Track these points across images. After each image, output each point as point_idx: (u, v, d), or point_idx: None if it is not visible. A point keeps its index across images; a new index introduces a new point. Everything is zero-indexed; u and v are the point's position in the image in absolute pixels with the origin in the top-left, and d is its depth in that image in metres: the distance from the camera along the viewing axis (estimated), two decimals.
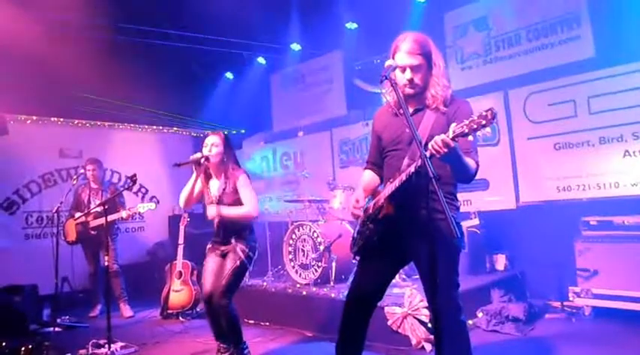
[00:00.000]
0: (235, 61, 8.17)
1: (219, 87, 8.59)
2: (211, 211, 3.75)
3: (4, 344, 4.38)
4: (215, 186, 3.86)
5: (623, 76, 4.85)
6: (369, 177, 2.86)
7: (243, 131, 9.28)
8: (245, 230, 3.79)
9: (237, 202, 3.75)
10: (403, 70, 2.51)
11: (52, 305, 5.81)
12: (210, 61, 7.97)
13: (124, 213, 5.68)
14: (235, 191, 3.76)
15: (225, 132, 3.96)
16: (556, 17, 5.35)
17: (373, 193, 2.72)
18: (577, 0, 5.20)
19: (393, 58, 2.53)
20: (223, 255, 3.79)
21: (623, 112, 4.84)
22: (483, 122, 1.98)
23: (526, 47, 5.60)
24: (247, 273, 3.92)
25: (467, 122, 2.02)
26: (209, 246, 3.92)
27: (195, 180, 3.83)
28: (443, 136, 2.09)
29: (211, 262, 3.80)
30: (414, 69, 2.50)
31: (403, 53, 2.49)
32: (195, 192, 3.87)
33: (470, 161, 2.39)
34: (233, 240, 3.75)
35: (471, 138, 2.07)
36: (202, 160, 3.74)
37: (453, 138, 2.08)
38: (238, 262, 3.68)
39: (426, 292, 2.64)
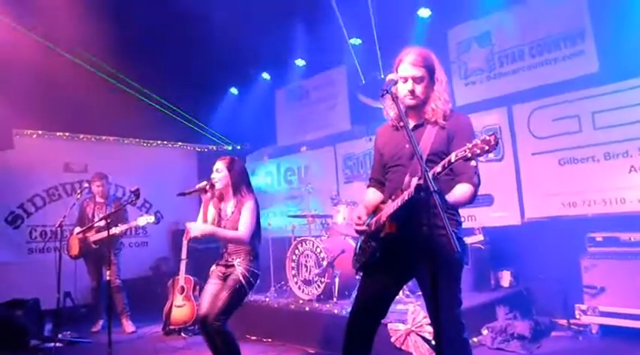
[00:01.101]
0: (240, 77, 8.22)
1: (224, 102, 8.64)
2: (195, 228, 3.66)
3: None
4: (225, 210, 3.85)
5: (628, 91, 4.84)
6: (373, 195, 2.85)
7: (247, 146, 9.30)
8: (249, 255, 3.73)
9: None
10: (405, 80, 2.53)
11: (54, 320, 5.77)
12: (216, 76, 8.02)
13: (117, 230, 5.61)
14: (240, 214, 3.71)
15: (231, 158, 3.94)
16: (559, 33, 5.36)
17: (375, 210, 2.70)
18: (581, 15, 5.21)
19: (397, 71, 2.55)
20: (225, 278, 3.74)
21: (628, 127, 4.82)
22: (486, 147, 1.95)
23: (529, 63, 5.60)
24: (246, 298, 3.82)
25: (470, 146, 1.99)
26: (213, 268, 3.87)
27: (205, 210, 3.82)
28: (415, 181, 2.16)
29: (212, 285, 3.75)
30: (415, 80, 2.52)
31: (406, 64, 2.52)
32: (210, 220, 3.85)
33: (461, 188, 2.40)
34: (236, 264, 3.69)
35: (473, 163, 2.05)
36: (207, 187, 3.75)
37: (455, 162, 2.08)
38: (237, 285, 3.62)
39: (428, 309, 2.61)
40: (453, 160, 2.08)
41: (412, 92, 2.53)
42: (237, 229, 3.67)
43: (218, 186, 3.77)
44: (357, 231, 2.71)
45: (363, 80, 7.08)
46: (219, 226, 3.77)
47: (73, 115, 7.08)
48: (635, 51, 4.68)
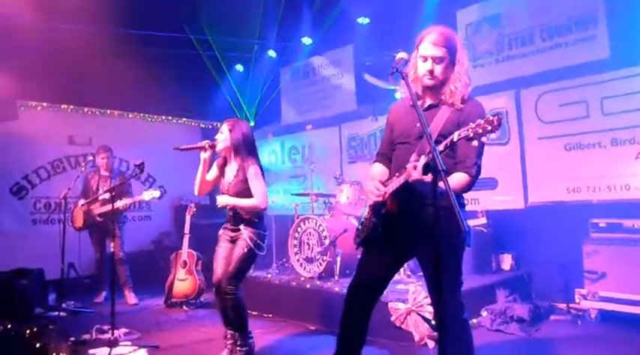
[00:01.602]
0: (246, 53, 8.15)
1: (230, 78, 8.59)
2: (220, 200, 3.75)
3: (9, 325, 4.41)
4: (228, 173, 3.87)
5: (638, 77, 4.79)
6: (379, 169, 2.81)
7: (252, 123, 9.27)
8: (254, 217, 3.76)
9: (244, 192, 3.73)
10: (425, 59, 2.49)
11: (58, 290, 5.85)
12: (221, 52, 7.96)
13: (121, 203, 5.63)
14: (244, 181, 3.73)
15: (234, 120, 3.93)
16: (572, 17, 5.27)
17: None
18: (594, 0, 5.13)
19: (417, 49, 2.51)
20: (233, 241, 3.79)
21: (636, 114, 4.78)
22: (489, 127, 1.93)
23: (540, 46, 5.53)
24: (257, 258, 3.88)
25: (473, 125, 1.98)
26: (220, 231, 3.92)
27: (204, 168, 3.82)
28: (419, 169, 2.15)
29: (222, 248, 3.82)
30: (435, 60, 2.47)
31: (427, 43, 2.48)
32: (210, 179, 3.90)
33: (457, 178, 2.37)
34: (242, 227, 3.74)
35: (475, 143, 2.03)
36: (206, 147, 3.76)
37: (457, 141, 2.06)
38: (246, 249, 3.68)
39: (429, 289, 2.63)
40: (455, 139, 2.07)
41: (431, 72, 2.49)
42: (240, 193, 3.72)
43: (219, 147, 3.79)
44: (374, 202, 2.63)
45: (369, 60, 7.01)
46: (222, 186, 3.84)
47: (78, 88, 7.07)
48: None
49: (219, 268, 3.74)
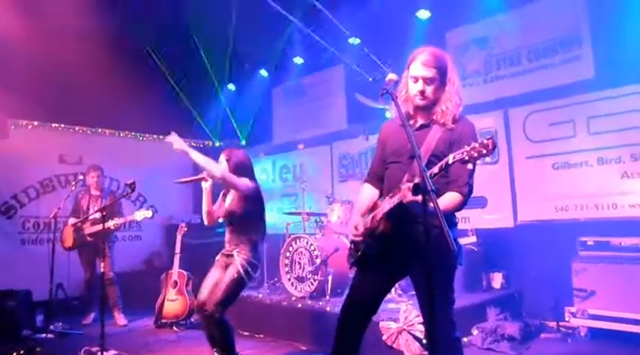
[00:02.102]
0: (238, 73, 8.21)
1: (222, 98, 8.64)
2: (175, 139, 3.78)
3: None
4: (228, 199, 3.96)
5: (623, 97, 4.89)
6: (369, 193, 2.82)
7: (243, 142, 9.30)
8: (248, 245, 3.79)
9: (240, 211, 3.79)
10: (416, 80, 2.52)
11: (46, 311, 5.77)
12: (213, 71, 8.02)
13: (112, 223, 5.59)
14: (238, 199, 3.80)
15: (230, 149, 4.02)
16: (557, 38, 5.40)
17: (373, 207, 2.70)
18: (579, 21, 5.26)
19: (408, 68, 2.55)
20: (226, 267, 3.81)
21: (622, 133, 4.87)
22: (484, 151, 1.97)
23: (526, 67, 5.65)
24: (245, 288, 3.86)
25: (467, 149, 2.01)
26: (218, 257, 3.95)
27: (208, 198, 3.88)
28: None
29: (213, 272, 3.85)
30: (426, 81, 2.51)
31: (418, 63, 2.51)
32: (217, 208, 3.97)
33: (449, 197, 2.41)
34: (235, 254, 3.76)
35: (470, 166, 2.07)
36: (206, 177, 3.84)
37: (452, 164, 2.09)
38: (236, 275, 3.68)
39: (421, 308, 2.63)
40: (450, 162, 2.09)
41: (422, 92, 2.52)
42: (232, 212, 3.80)
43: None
44: (353, 242, 2.71)
45: (360, 79, 7.09)
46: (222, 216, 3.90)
47: (69, 107, 7.04)
48: (632, 58, 4.73)
49: (205, 291, 3.74)
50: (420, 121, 2.61)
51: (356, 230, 2.64)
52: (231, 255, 3.78)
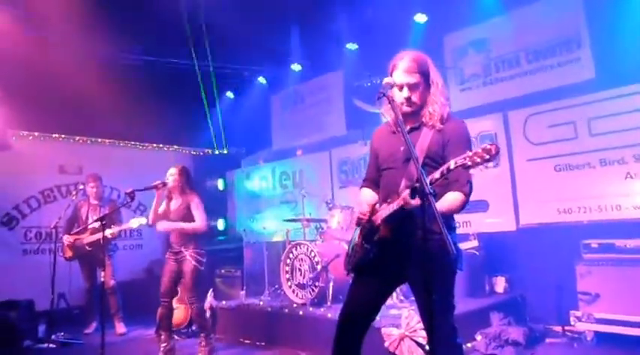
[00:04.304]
0: (236, 81, 8.21)
1: (220, 106, 8.63)
2: (163, 225, 4.66)
3: None
4: (173, 204, 4.75)
5: (625, 97, 4.85)
6: (370, 194, 2.81)
7: (242, 150, 9.30)
8: (191, 241, 4.62)
9: (185, 218, 4.63)
10: (400, 88, 2.51)
11: (48, 321, 5.75)
12: (212, 80, 8.01)
13: (109, 232, 5.55)
14: (186, 208, 4.66)
15: (182, 166, 4.92)
16: (555, 39, 5.38)
17: (372, 211, 2.67)
18: (577, 22, 5.23)
19: (391, 76, 2.53)
20: (178, 262, 4.62)
21: (624, 134, 4.83)
22: (487, 156, 1.93)
23: (526, 69, 5.62)
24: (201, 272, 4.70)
25: (470, 154, 1.97)
26: (167, 255, 4.72)
27: (157, 202, 4.70)
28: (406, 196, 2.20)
29: (168, 267, 4.66)
30: (411, 87, 2.50)
31: (400, 71, 2.50)
32: (161, 211, 4.73)
33: (451, 197, 2.38)
34: (184, 250, 4.58)
35: (472, 171, 2.03)
36: (160, 185, 4.61)
37: (454, 169, 2.06)
38: (192, 266, 4.56)
39: (421, 314, 2.59)
40: (452, 167, 2.06)
41: (408, 99, 2.51)
42: (182, 220, 4.62)
43: (170, 184, 4.68)
44: (356, 222, 2.68)
45: (358, 84, 7.08)
46: (168, 216, 4.70)
47: (69, 117, 7.07)
48: (632, 57, 4.70)
49: (165, 284, 4.64)
50: (409, 125, 2.59)
51: (361, 213, 2.60)
52: (181, 252, 4.60)
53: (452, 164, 2.06)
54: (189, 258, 4.55)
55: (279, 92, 8.58)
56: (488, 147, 1.93)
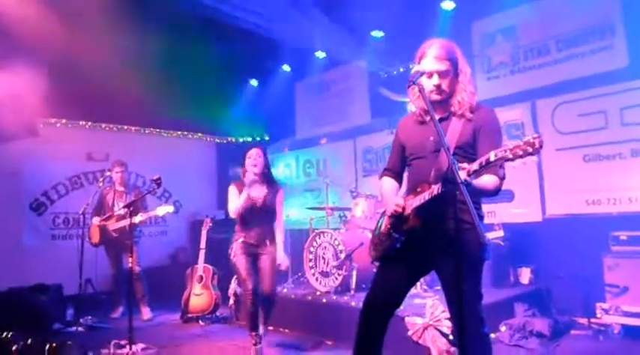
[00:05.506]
0: (260, 69, 8.22)
1: (244, 94, 8.65)
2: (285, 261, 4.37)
3: (29, 341, 4.44)
4: (256, 192, 4.31)
5: None
6: (391, 184, 2.81)
7: (267, 138, 9.32)
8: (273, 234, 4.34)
9: (274, 208, 4.33)
10: (430, 75, 2.47)
11: (76, 305, 5.88)
12: (236, 67, 8.03)
13: (136, 219, 5.61)
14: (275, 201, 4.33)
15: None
16: (588, 27, 5.24)
17: None
18: (612, 9, 5.09)
19: (420, 64, 2.50)
20: (255, 255, 4.27)
21: None
22: (530, 149, 1.85)
23: (555, 57, 5.50)
24: None
25: (511, 147, 1.91)
26: (241, 246, 4.28)
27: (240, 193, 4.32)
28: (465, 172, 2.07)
29: (249, 261, 4.26)
30: (441, 74, 2.47)
31: (430, 58, 2.47)
32: (242, 201, 4.31)
33: (488, 178, 2.31)
34: (268, 242, 4.27)
35: (512, 164, 1.96)
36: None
37: (494, 162, 2.00)
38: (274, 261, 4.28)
39: (448, 304, 2.58)
40: (492, 159, 2.01)
41: (438, 87, 2.48)
42: (271, 209, 4.32)
43: (257, 170, 4.29)
44: (390, 214, 2.58)
45: (384, 73, 7.03)
46: (250, 206, 4.25)
47: (96, 105, 7.16)
48: None
49: (253, 279, 4.16)
50: (438, 115, 2.55)
51: (397, 206, 2.50)
52: (265, 244, 4.28)
53: (492, 156, 2.00)
54: (273, 252, 4.31)
55: (303, 80, 8.56)
56: (532, 140, 1.86)
